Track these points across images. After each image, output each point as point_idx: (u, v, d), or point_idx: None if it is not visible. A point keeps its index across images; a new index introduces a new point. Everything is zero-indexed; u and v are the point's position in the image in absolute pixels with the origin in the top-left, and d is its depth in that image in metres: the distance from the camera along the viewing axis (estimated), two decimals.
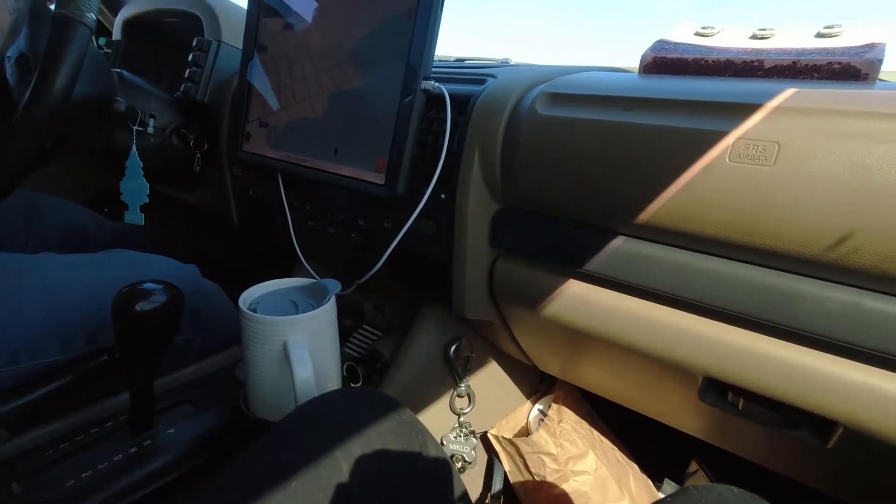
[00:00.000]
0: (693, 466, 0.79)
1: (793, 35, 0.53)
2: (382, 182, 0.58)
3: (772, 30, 0.54)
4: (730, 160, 0.39)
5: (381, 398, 0.47)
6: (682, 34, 0.59)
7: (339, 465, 0.40)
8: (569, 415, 0.75)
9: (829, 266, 0.37)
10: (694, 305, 0.45)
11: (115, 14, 1.01)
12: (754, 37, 0.55)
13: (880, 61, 0.43)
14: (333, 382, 0.57)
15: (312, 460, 0.39)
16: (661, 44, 0.56)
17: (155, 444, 0.53)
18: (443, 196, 0.57)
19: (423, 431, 0.47)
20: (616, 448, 0.79)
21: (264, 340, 0.51)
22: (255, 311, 0.53)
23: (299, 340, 0.50)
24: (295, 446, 0.40)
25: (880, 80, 0.45)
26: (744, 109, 0.39)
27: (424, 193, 0.57)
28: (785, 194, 0.37)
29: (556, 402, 0.78)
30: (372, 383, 0.70)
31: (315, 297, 0.57)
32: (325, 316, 0.53)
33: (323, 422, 0.42)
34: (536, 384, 0.87)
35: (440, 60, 0.92)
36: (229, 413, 0.58)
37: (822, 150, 0.36)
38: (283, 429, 0.42)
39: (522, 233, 0.54)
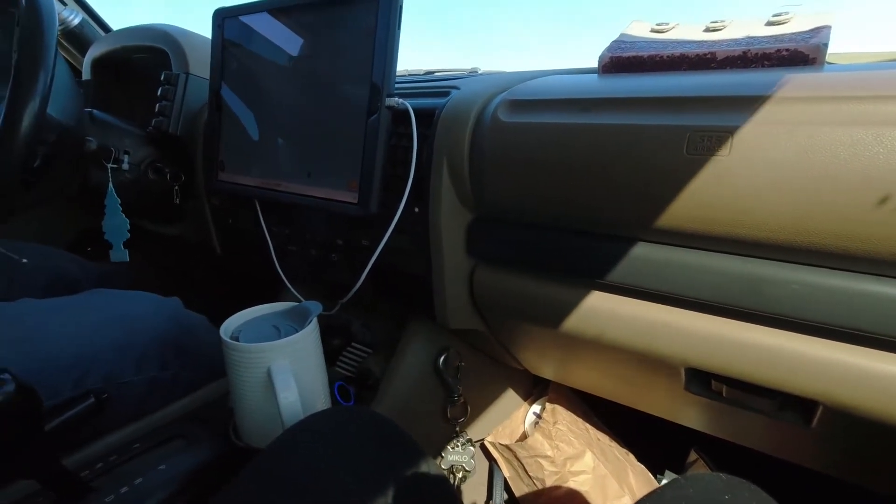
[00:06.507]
0: (693, 456, 0.80)
1: (744, 25, 0.54)
2: (356, 201, 0.58)
3: (723, 21, 0.55)
4: (687, 153, 0.40)
5: (366, 415, 0.47)
6: (640, 31, 0.61)
7: (326, 487, 0.40)
8: (564, 415, 0.75)
9: (789, 249, 0.38)
10: (670, 298, 0.46)
11: (83, 54, 1.01)
12: (708, 29, 0.56)
13: (825, 45, 0.44)
14: (321, 404, 0.57)
15: (299, 485, 0.39)
16: (617, 43, 0.57)
17: (147, 482, 0.52)
18: (416, 210, 0.57)
19: (411, 445, 0.47)
20: (614, 444, 0.79)
21: (247, 368, 0.51)
22: (237, 339, 0.53)
23: (282, 365, 0.50)
24: (281, 472, 0.40)
25: (828, 62, 0.46)
26: (695, 103, 0.40)
27: (398, 209, 0.57)
28: (742, 182, 0.38)
29: (550, 403, 0.78)
30: (364, 401, 0.70)
31: (297, 321, 0.57)
32: (307, 339, 0.53)
33: (308, 444, 0.42)
34: (531, 388, 0.87)
35: (410, 74, 0.93)
36: (221, 444, 0.58)
37: (771, 136, 0.36)
38: (269, 455, 0.42)
39: (497, 241, 0.55)
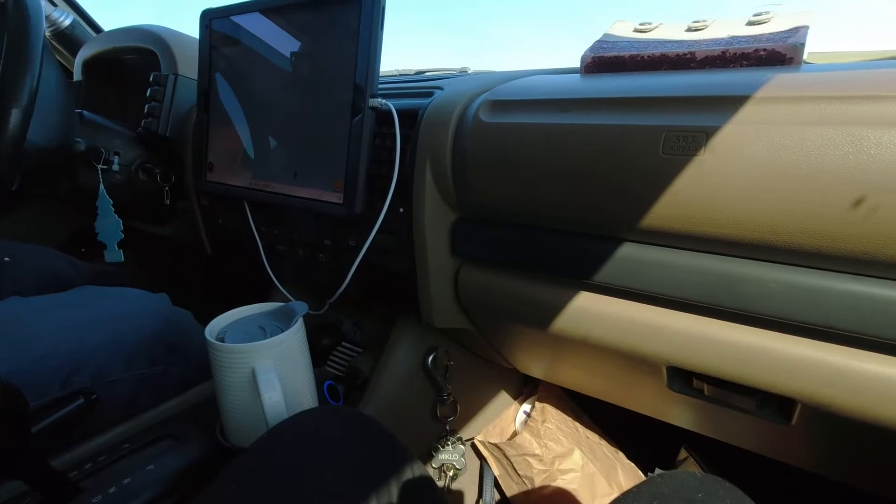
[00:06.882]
0: (683, 454, 0.80)
1: (726, 25, 0.55)
2: (341, 201, 0.58)
3: (705, 21, 0.56)
4: (663, 153, 0.40)
5: (350, 414, 0.48)
6: (623, 30, 0.61)
7: (307, 486, 0.40)
8: (552, 414, 0.76)
9: (766, 248, 0.38)
10: (653, 298, 0.46)
11: (74, 55, 1.01)
12: (690, 29, 0.56)
13: (802, 45, 0.45)
14: (308, 403, 0.57)
15: (280, 484, 0.39)
16: (599, 43, 0.57)
17: (134, 483, 0.53)
18: (401, 210, 0.58)
19: (395, 444, 0.47)
20: (604, 443, 0.79)
21: (232, 368, 0.51)
22: (222, 339, 0.53)
23: (267, 365, 0.50)
24: (262, 472, 0.40)
25: (806, 62, 0.46)
26: (671, 103, 0.40)
27: (382, 209, 0.57)
28: (716, 182, 0.38)
29: (539, 401, 0.78)
30: (353, 401, 0.71)
31: (284, 321, 0.57)
32: (292, 339, 0.53)
33: (291, 444, 0.43)
34: (521, 386, 0.87)
35: (401, 74, 0.93)
36: (210, 444, 0.58)
37: (744, 136, 0.37)
38: (251, 455, 0.42)
39: (481, 240, 0.55)
